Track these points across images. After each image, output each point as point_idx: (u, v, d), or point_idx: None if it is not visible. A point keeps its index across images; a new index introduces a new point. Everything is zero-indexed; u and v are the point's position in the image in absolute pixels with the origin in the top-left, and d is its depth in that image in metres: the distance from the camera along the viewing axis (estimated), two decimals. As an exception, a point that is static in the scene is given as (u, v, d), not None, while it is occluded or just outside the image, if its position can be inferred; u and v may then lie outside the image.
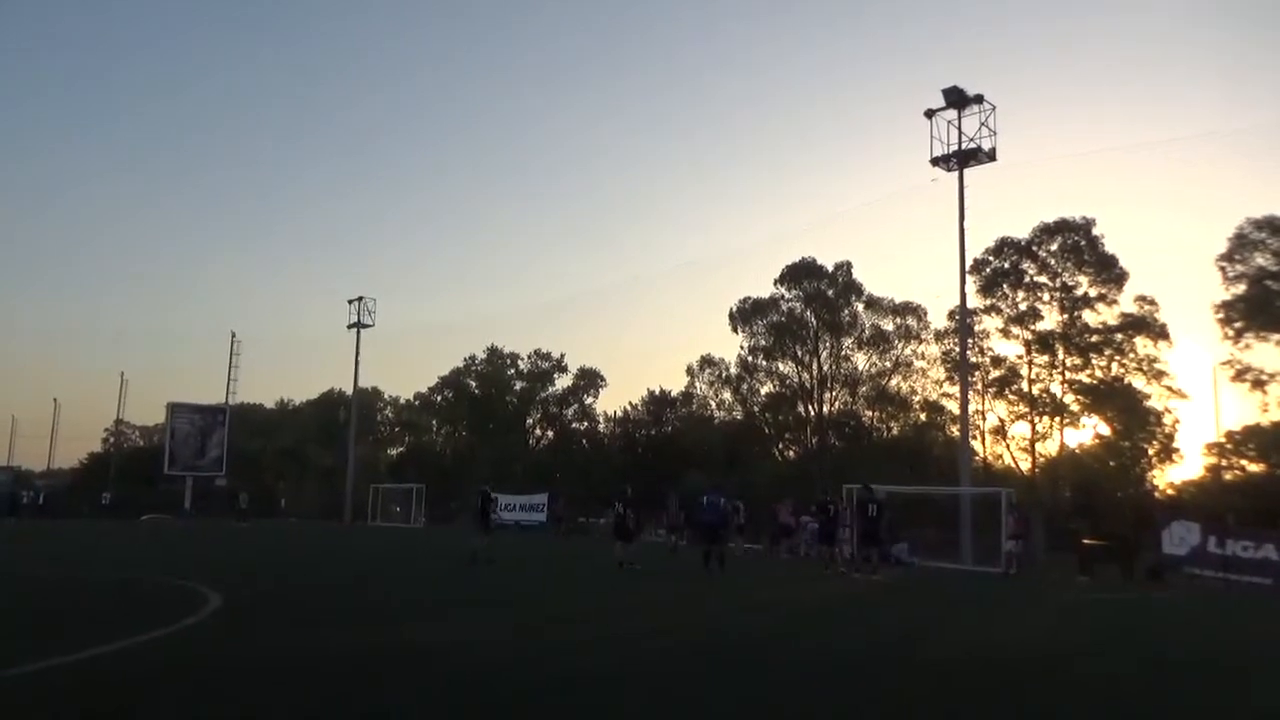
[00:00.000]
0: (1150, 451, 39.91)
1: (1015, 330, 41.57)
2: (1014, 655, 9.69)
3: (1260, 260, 36.31)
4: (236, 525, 40.13)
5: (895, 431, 48.06)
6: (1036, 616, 14.21)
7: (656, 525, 31.68)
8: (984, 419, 42.06)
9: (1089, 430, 41.08)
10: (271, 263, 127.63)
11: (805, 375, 47.70)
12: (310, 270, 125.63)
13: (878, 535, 20.33)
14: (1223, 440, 38.75)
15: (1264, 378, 36.05)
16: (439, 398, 65.45)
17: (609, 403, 74.25)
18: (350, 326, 53.75)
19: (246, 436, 62.48)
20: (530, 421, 61.75)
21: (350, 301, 53.85)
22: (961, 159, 29.16)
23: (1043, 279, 41.30)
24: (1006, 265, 41.71)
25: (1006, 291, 41.63)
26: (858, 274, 47.43)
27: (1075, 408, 40.47)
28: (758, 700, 7.04)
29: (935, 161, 29.68)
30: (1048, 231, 41.16)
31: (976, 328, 40.99)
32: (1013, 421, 41.98)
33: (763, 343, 48.31)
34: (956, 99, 29.27)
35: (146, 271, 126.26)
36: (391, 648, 8.67)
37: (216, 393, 56.17)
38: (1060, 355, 40.65)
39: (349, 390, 57.59)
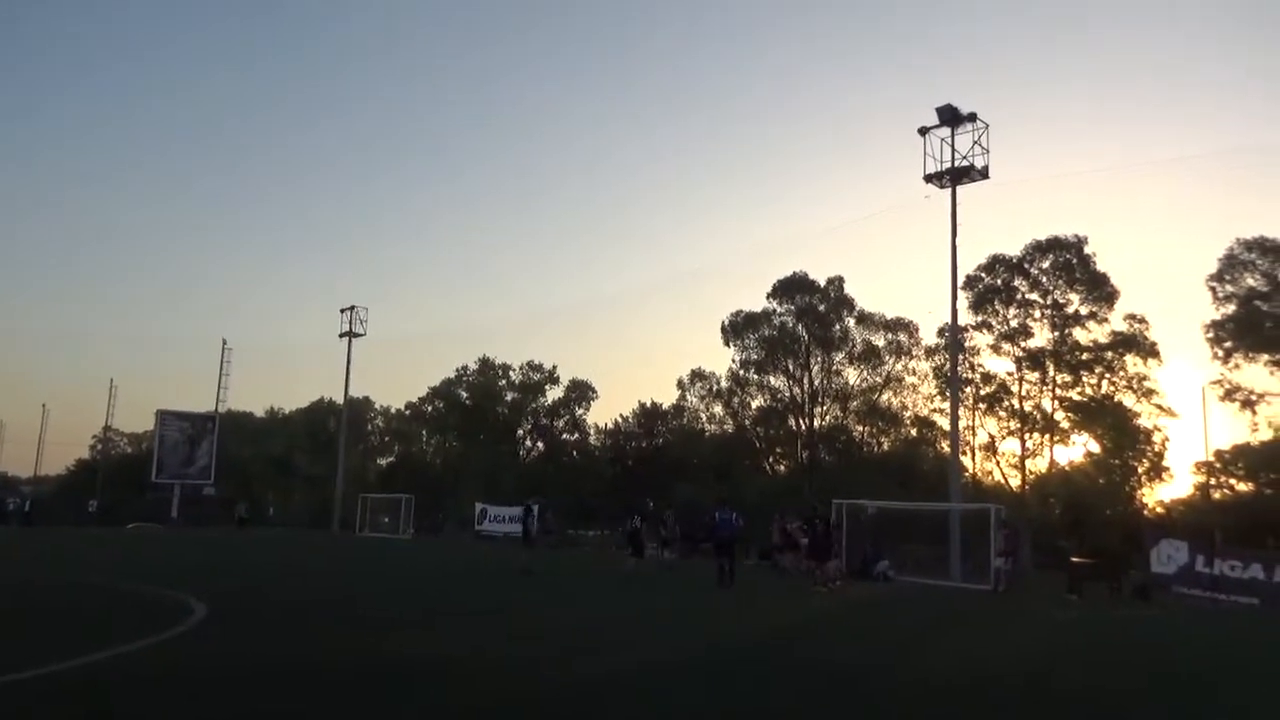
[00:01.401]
0: (1140, 470, 40.01)
1: (1006, 347, 41.66)
2: (1000, 673, 9.68)
3: (1250, 281, 36.53)
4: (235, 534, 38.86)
5: (886, 447, 48.09)
6: (1024, 634, 14.20)
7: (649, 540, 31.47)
8: (974, 435, 42.12)
9: (1079, 448, 41.18)
10: (263, 270, 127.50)
11: (796, 389, 47.74)
12: (302, 278, 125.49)
13: (832, 550, 20.54)
14: (1212, 459, 38.90)
15: (1253, 398, 36.23)
16: (430, 408, 65.26)
17: (600, 415, 74.23)
18: (342, 335, 53.62)
19: (236, 445, 62.14)
20: (521, 432, 61.63)
21: (342, 310, 53.73)
22: (954, 176, 29.30)
23: (1034, 296, 41.45)
24: (998, 282, 41.86)
25: (998, 308, 41.76)
26: (850, 289, 47.64)
27: (1065, 425, 40.55)
28: (746, 714, 7.02)
29: (929, 178, 29.83)
30: (1039, 249, 41.34)
31: (967, 344, 41.08)
32: (1003, 438, 42.04)
33: (754, 356, 48.37)
34: (950, 117, 29.43)
35: (137, 278, 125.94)
36: (378, 659, 8.61)
37: (206, 400, 55.94)
38: (1051, 372, 40.75)
39: (340, 399, 57.36)
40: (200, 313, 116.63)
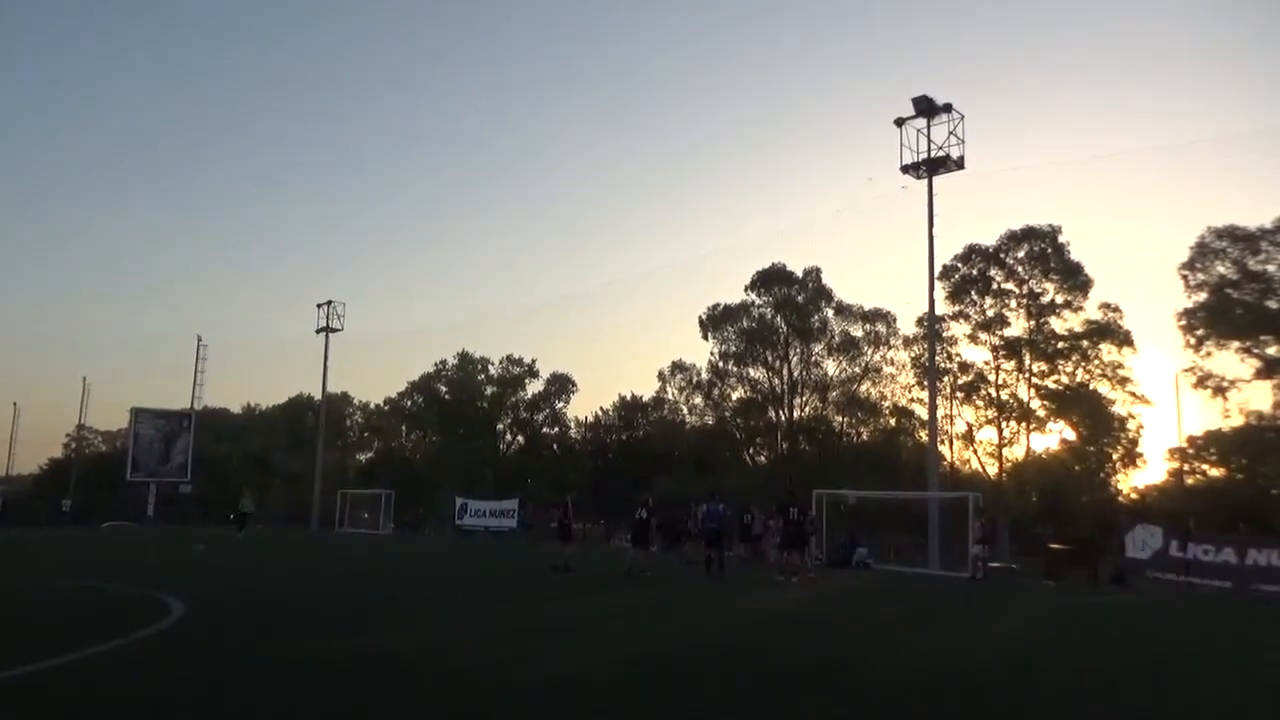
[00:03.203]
0: (1114, 456, 40.45)
1: (983, 336, 41.98)
2: (980, 659, 9.74)
3: (1221, 269, 36.94)
4: (238, 536, 32.63)
5: (865, 437, 48.35)
6: (1002, 621, 14.32)
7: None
8: (952, 424, 42.45)
9: (1055, 435, 41.59)
10: (239, 266, 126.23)
11: (776, 381, 47.88)
12: (278, 274, 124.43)
13: (803, 538, 20.42)
14: (1185, 445, 39.37)
15: (1224, 384, 36.67)
16: (409, 403, 64.90)
17: (580, 408, 74.29)
18: (319, 330, 53.11)
19: (212, 442, 61.47)
20: (501, 427, 61.43)
21: (319, 305, 53.22)
22: (931, 167, 29.43)
23: (1010, 286, 41.78)
24: (974, 272, 42.14)
25: (974, 298, 42.05)
26: (828, 280, 47.80)
27: (1041, 413, 40.92)
28: (727, 707, 7.02)
29: (905, 169, 29.94)
30: (1015, 239, 41.66)
31: (945, 334, 41.35)
32: (980, 427, 42.39)
33: (733, 348, 48.44)
34: (926, 108, 29.55)
35: (111, 274, 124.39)
36: (358, 658, 8.55)
37: (182, 398, 55.31)
38: (1027, 361, 41.10)
39: (317, 395, 56.91)
40: (175, 309, 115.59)
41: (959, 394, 42.36)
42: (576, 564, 20.23)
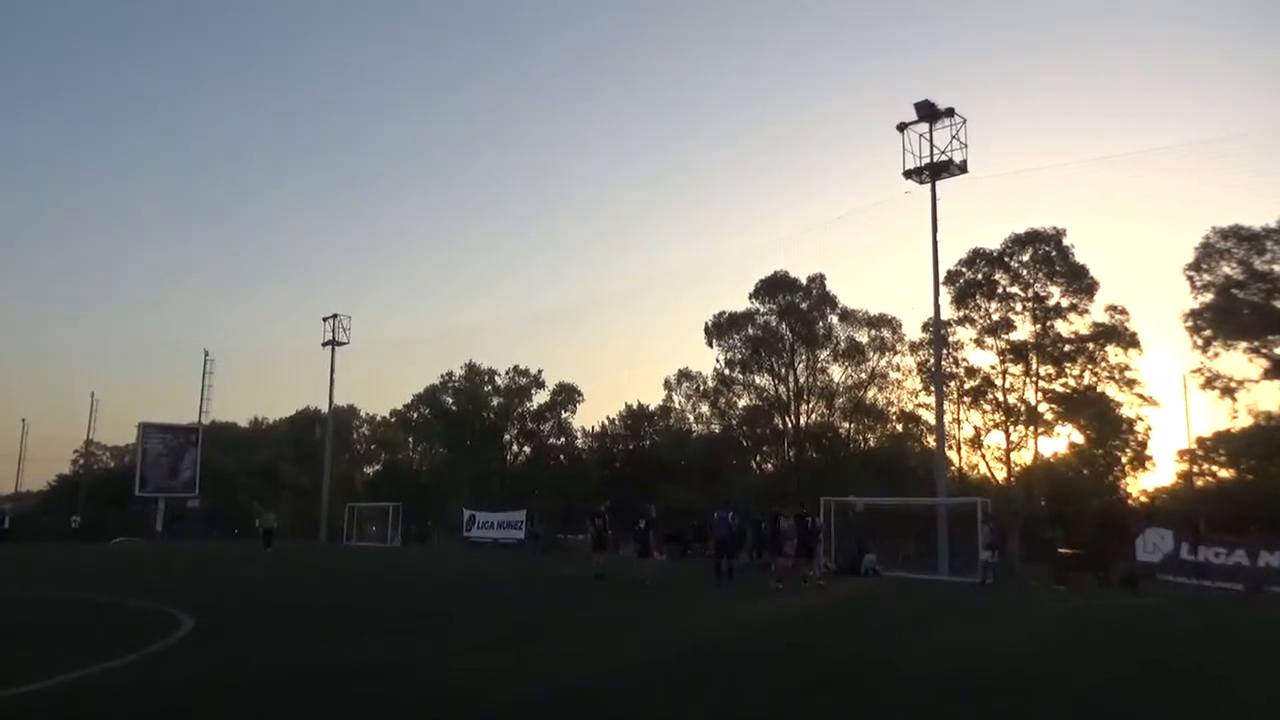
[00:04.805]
0: (1123, 459, 40.26)
1: (989, 340, 41.85)
2: (989, 665, 9.70)
3: (1227, 270, 36.84)
4: (269, 553, 32.92)
5: (872, 443, 48.23)
6: (1013, 626, 14.26)
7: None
8: (959, 429, 42.30)
9: (1063, 439, 41.43)
10: (245, 279, 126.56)
11: (782, 388, 47.81)
12: (284, 287, 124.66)
13: (813, 547, 20.52)
14: (1194, 447, 39.20)
15: (1232, 385, 36.52)
16: (415, 414, 64.94)
17: (587, 418, 74.16)
18: (325, 344, 53.31)
19: (219, 456, 61.61)
20: (508, 437, 61.42)
21: (325, 318, 53.44)
22: (934, 171, 29.44)
23: (1015, 289, 41.65)
24: (979, 276, 42.03)
25: (980, 302, 41.94)
26: (832, 287, 47.72)
27: (1049, 417, 40.77)
28: (734, 713, 7.00)
29: (908, 174, 29.96)
30: (1019, 242, 41.56)
31: (950, 339, 41.26)
32: (988, 431, 42.22)
33: (739, 356, 48.39)
34: (928, 112, 29.58)
35: (117, 289, 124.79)
36: (364, 669, 8.55)
37: (189, 412, 55.47)
38: (1034, 365, 40.98)
39: (324, 408, 57.04)
40: (181, 323, 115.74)
41: (966, 399, 42.23)
42: (604, 573, 20.56)
